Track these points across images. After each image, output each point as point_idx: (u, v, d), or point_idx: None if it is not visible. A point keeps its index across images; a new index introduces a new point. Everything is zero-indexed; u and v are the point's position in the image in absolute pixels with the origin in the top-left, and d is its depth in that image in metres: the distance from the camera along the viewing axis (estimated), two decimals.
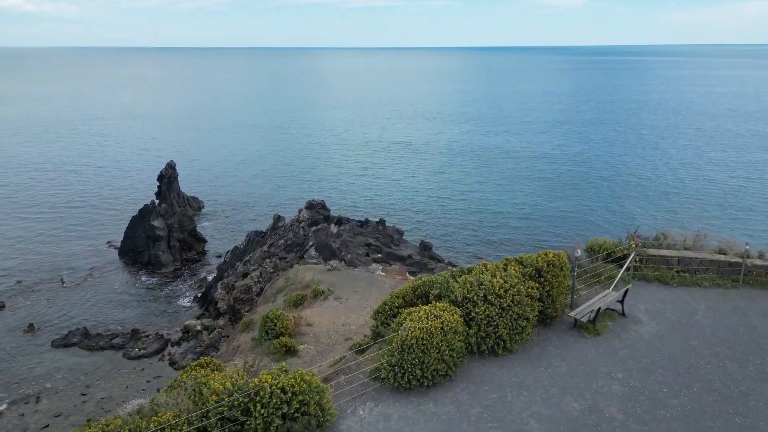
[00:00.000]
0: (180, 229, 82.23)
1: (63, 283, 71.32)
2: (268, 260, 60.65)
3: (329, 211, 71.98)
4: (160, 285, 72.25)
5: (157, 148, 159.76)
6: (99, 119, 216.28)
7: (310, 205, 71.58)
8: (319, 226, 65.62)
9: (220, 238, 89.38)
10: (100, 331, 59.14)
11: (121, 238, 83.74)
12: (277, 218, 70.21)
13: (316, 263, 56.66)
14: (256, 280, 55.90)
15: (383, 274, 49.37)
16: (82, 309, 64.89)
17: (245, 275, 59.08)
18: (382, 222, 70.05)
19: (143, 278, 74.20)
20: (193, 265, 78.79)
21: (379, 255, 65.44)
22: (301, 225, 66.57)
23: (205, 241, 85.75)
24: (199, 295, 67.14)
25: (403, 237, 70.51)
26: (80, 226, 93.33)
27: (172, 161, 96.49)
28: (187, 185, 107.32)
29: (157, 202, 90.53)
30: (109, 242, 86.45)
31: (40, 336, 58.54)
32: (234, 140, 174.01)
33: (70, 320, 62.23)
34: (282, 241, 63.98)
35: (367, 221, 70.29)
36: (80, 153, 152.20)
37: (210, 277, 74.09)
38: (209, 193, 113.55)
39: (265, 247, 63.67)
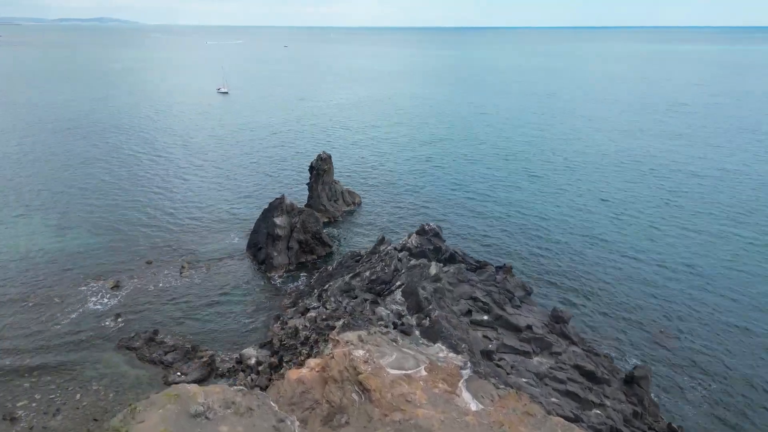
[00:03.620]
0: (302, 230, 75.35)
1: (182, 271, 70.52)
2: (344, 297, 48.47)
3: (444, 241, 56.05)
4: (260, 290, 66.26)
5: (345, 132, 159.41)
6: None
7: (422, 231, 56.58)
8: (418, 262, 50.57)
9: (350, 245, 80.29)
10: (166, 337, 55.08)
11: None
12: (381, 241, 57.22)
13: (381, 330, 42.65)
14: (309, 326, 44.40)
15: (425, 374, 32.91)
16: (174, 305, 62.32)
17: (305, 311, 48.08)
18: (506, 270, 51.46)
19: (250, 278, 69.26)
20: (305, 273, 71.14)
21: (486, 318, 47.65)
22: (401, 254, 52.40)
23: (329, 246, 77.56)
24: (276, 315, 58.76)
25: (531, 296, 50.64)
26: (237, 204, 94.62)
27: (324, 153, 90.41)
28: (341, 176, 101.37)
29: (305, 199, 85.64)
30: (248, 231, 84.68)
31: (116, 330, 57.11)
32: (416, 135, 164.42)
33: (155, 314, 60.02)
34: (368, 273, 51.03)
35: (483, 265, 52.39)
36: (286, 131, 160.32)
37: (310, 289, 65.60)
38: (369, 190, 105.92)
39: (347, 278, 51.62)
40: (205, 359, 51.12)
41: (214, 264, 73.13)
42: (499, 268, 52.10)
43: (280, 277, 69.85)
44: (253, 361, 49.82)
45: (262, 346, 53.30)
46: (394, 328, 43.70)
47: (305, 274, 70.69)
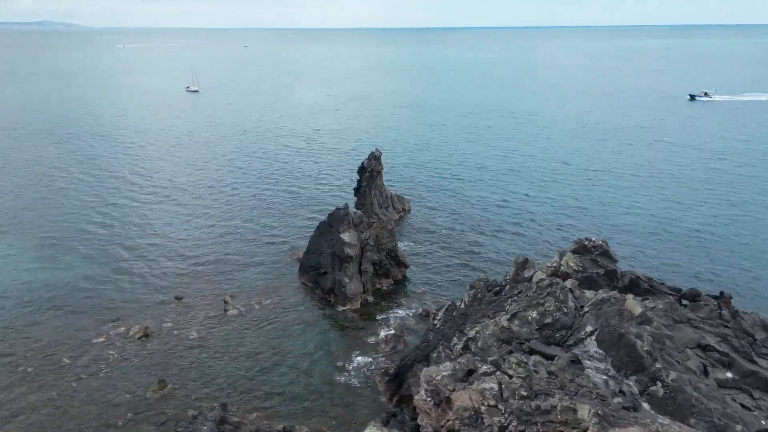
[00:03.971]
0: (376, 248, 59.56)
1: (226, 308, 53.78)
2: (513, 357, 33.12)
3: (616, 262, 41.64)
4: (340, 333, 50.30)
5: (358, 133, 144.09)
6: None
7: (582, 249, 41.98)
8: (605, 296, 35.98)
9: (424, 263, 64.94)
10: (239, 413, 38.52)
11: (305, 247, 64.67)
12: (523, 264, 42.43)
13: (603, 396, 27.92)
14: (502, 408, 28.88)
15: None
16: (232, 360, 45.69)
17: (469, 374, 32.56)
18: (725, 301, 37.20)
19: (319, 315, 53.15)
20: (387, 303, 55.49)
21: (729, 376, 33.24)
22: (564, 287, 37.65)
23: (406, 266, 62.09)
24: (389, 372, 42.99)
25: None
26: (263, 217, 77.73)
27: (377, 150, 74.75)
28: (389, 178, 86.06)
29: (353, 206, 69.92)
30: (292, 249, 68.28)
31: (160, 402, 40.16)
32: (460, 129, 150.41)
33: (210, 377, 43.30)
34: (534, 314, 36.17)
35: (696, 296, 37.92)
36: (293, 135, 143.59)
37: (408, 330, 49.95)
38: (417, 191, 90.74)
39: (503, 320, 36.54)
40: None
41: (265, 296, 56.56)
42: (716, 299, 37.81)
43: (356, 311, 53.96)
44: None
45: (386, 423, 37.43)
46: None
47: (390, 304, 55.02)
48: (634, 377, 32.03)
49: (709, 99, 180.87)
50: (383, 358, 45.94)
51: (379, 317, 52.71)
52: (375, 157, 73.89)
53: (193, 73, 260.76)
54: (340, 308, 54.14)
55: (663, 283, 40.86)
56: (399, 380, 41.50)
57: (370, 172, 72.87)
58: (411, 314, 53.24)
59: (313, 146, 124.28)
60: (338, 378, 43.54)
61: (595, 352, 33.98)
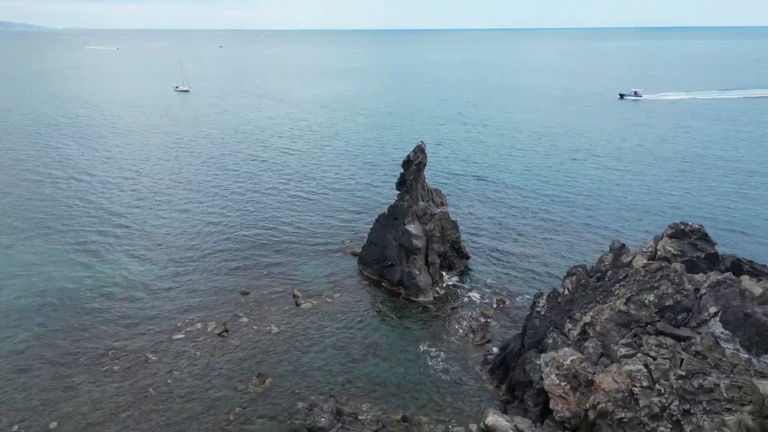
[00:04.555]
0: (441, 240, 59.25)
1: (297, 302, 52.81)
2: (652, 339, 33.07)
3: (714, 245, 42.13)
4: (419, 326, 49.72)
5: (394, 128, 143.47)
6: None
7: (679, 233, 42.31)
8: (720, 278, 36.35)
9: (480, 252, 64.90)
10: (347, 404, 37.75)
11: (360, 241, 63.89)
12: (620, 249, 42.62)
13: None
14: (663, 389, 28.67)
15: None
16: (320, 352, 44.84)
17: (599, 358, 32.39)
18: None
19: (394, 306, 52.54)
20: (457, 294, 55.19)
21: None
22: (677, 269, 37.87)
23: (467, 257, 61.94)
24: (491, 360, 42.68)
25: None
26: (308, 213, 76.71)
27: (421, 143, 74.27)
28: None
29: (395, 199, 69.31)
30: (343, 243, 67.52)
31: (262, 395, 39.17)
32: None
33: (304, 370, 42.38)
34: (651, 297, 36.31)
35: None
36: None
37: (491, 320, 49.71)
38: (451, 184, 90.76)
39: (620, 304, 36.58)
40: None
41: (332, 290, 55.72)
42: None
43: (429, 302, 53.49)
44: None
45: (504, 410, 37.15)
46: None
47: (458, 294, 54.71)
48: (766, 356, 32.33)
49: (638, 98, 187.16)
50: (475, 347, 45.60)
51: (455, 308, 52.38)
52: (421, 150, 73.31)
53: (183, 72, 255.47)
54: (413, 300, 53.63)
55: (765, 266, 41.44)
56: (504, 368, 41.28)
57: (417, 164, 72.28)
58: (486, 303, 53.05)
59: (337, 145, 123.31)
60: (434, 368, 43.09)
61: (721, 332, 34.18)
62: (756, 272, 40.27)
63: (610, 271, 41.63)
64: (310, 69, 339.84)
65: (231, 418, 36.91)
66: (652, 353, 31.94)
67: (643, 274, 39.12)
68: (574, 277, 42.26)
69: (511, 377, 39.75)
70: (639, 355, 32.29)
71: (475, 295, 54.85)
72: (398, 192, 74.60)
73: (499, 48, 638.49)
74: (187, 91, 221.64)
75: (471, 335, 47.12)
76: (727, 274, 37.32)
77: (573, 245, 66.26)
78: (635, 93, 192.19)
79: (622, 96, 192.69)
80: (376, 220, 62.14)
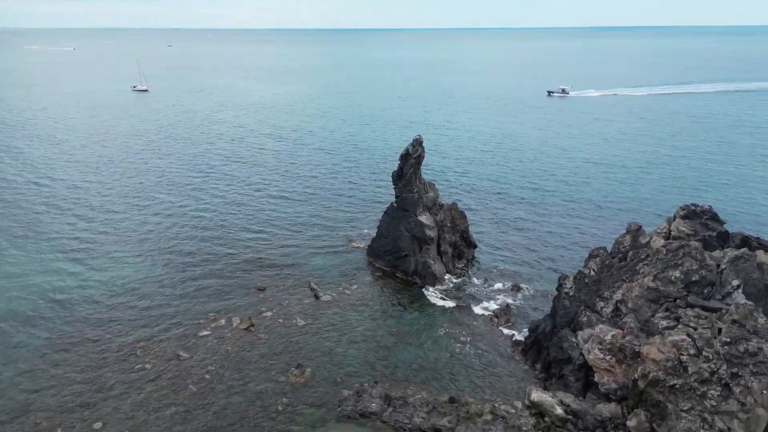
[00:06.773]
0: (452, 230, 60.53)
1: (317, 295, 52.92)
2: (689, 311, 35.20)
3: (723, 224, 44.98)
4: (441, 313, 50.76)
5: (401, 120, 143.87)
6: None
7: (691, 213, 44.98)
8: (737, 254, 39.02)
9: (484, 241, 66.61)
10: (397, 390, 38.39)
11: (357, 234, 64.32)
12: (637, 230, 44.91)
13: None
14: (711, 355, 30.65)
15: None
16: (351, 342, 45.30)
17: (639, 331, 34.25)
18: None
19: (411, 296, 53.40)
20: (472, 281, 56.57)
21: None
22: (698, 247, 40.34)
23: (475, 246, 63.49)
24: (521, 341, 44.17)
25: None
26: (310, 205, 76.49)
27: (419, 136, 75.29)
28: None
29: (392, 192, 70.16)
30: (347, 238, 67.81)
31: (307, 384, 39.37)
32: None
33: (340, 358, 42.75)
34: (677, 273, 38.57)
35: None
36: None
37: (511, 302, 51.25)
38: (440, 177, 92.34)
39: (649, 280, 38.69)
40: (485, 411, 35.58)
41: (347, 282, 56.11)
42: None
43: (446, 291, 54.69)
44: (559, 410, 35.28)
45: (545, 387, 38.72)
46: None
47: (471, 280, 56.13)
48: None
49: (564, 95, 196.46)
50: (502, 330, 47.06)
51: (472, 294, 53.75)
52: (419, 143, 74.37)
53: (141, 71, 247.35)
54: (431, 289, 54.67)
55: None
56: (537, 348, 42.84)
57: (416, 158, 73.28)
58: (501, 288, 54.67)
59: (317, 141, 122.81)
60: (465, 352, 44.26)
61: (744, 303, 36.69)
62: (764, 247, 43.34)
63: (630, 252, 43.90)
64: (266, 68, 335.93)
65: (279, 409, 36.93)
66: (692, 324, 34.07)
67: (665, 252, 41.44)
68: (597, 259, 44.30)
69: (545, 356, 41.37)
70: (680, 326, 34.36)
71: (487, 281, 56.40)
72: (395, 186, 75.45)
73: (442, 47, 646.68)
74: (146, 90, 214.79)
75: (495, 319, 48.57)
76: (743, 249, 40.11)
77: (573, 230, 68.91)
78: (563, 90, 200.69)
79: (549, 93, 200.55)
80: (385, 212, 62.85)
